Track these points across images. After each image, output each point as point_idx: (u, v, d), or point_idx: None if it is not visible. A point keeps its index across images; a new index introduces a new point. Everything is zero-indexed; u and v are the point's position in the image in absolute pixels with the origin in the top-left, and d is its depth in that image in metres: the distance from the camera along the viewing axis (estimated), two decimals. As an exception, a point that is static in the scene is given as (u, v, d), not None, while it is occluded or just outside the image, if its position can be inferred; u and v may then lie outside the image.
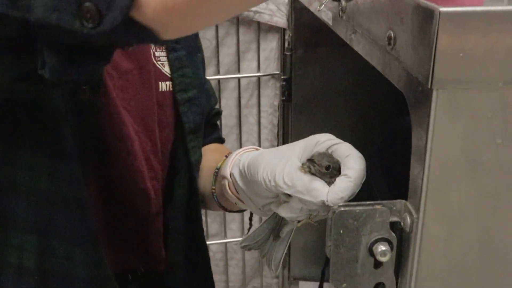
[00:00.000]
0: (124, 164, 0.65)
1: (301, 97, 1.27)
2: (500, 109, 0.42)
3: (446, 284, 0.47)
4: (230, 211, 0.80)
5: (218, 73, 1.21)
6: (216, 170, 0.75)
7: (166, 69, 0.71)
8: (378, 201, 0.47)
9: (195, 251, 0.79)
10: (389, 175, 0.93)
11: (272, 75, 1.25)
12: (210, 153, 0.81)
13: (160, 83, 0.70)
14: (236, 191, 0.69)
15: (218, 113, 0.90)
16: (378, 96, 1.26)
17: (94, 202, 0.63)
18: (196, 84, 0.74)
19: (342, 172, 0.56)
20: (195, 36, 0.78)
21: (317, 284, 1.43)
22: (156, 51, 0.70)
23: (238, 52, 1.20)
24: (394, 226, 0.47)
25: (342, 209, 0.47)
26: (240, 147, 1.30)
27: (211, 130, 0.86)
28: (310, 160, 0.57)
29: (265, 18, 1.18)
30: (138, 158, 0.66)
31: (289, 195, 0.59)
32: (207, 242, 1.38)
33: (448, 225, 0.45)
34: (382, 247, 0.47)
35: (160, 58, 0.71)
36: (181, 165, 0.74)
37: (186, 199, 0.75)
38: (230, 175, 0.69)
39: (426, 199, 0.44)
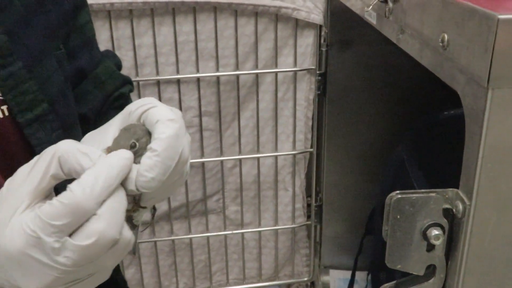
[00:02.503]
0: None
1: (335, 92, 1.32)
2: (549, 106, 0.46)
3: (494, 265, 0.52)
4: None
5: (256, 67, 1.26)
6: None
7: None
8: (432, 189, 0.52)
9: None
10: (425, 167, 0.97)
11: (308, 70, 1.29)
12: None
13: None
14: None
15: (121, 96, 0.74)
16: (411, 91, 1.30)
17: None
18: (46, 96, 0.62)
19: (149, 145, 0.45)
20: (49, 32, 0.63)
21: (346, 272, 1.48)
22: None
23: (276, 47, 1.25)
24: (446, 212, 0.52)
25: (400, 196, 0.51)
26: (276, 138, 1.35)
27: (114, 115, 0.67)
28: (116, 140, 0.45)
29: (302, 15, 1.22)
30: None
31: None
32: (241, 231, 1.44)
33: (498, 211, 0.49)
34: (435, 232, 0.51)
35: None
36: None
37: None
38: None
39: (478, 188, 0.48)
